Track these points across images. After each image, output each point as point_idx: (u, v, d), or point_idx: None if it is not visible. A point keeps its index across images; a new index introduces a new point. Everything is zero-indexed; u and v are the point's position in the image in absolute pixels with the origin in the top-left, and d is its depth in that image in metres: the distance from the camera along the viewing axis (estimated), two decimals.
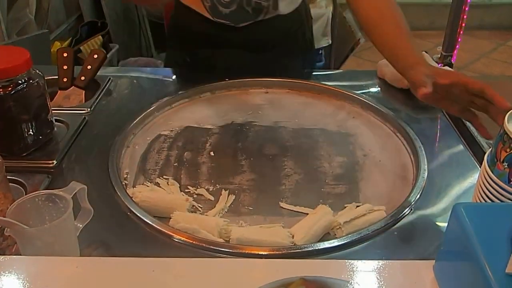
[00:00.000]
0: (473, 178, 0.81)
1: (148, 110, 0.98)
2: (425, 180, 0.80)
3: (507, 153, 0.57)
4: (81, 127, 0.93)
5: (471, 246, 0.47)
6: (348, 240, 0.68)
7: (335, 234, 0.71)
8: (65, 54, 1.07)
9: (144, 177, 0.83)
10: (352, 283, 0.54)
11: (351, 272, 0.57)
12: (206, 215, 0.75)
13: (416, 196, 0.76)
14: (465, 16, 1.20)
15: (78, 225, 0.65)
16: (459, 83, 0.77)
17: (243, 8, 1.06)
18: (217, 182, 0.82)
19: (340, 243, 0.68)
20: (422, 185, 0.79)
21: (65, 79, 1.05)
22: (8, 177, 0.68)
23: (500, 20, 3.95)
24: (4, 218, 0.57)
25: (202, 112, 1.02)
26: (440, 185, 0.80)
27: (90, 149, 0.88)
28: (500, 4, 3.98)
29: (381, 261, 0.60)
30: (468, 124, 0.94)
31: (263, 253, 0.65)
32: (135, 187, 0.79)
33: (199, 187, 0.81)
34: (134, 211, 0.72)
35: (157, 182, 0.81)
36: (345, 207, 0.75)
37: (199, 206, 0.77)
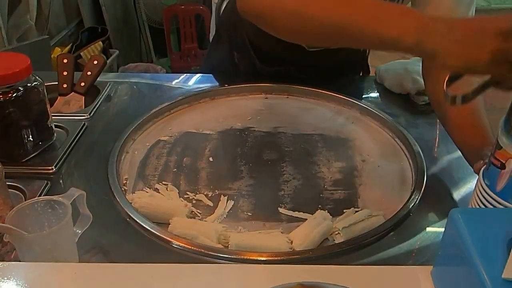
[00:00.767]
0: (472, 183, 0.81)
1: (148, 116, 0.98)
2: (424, 185, 0.80)
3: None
4: (80, 133, 0.93)
5: (468, 252, 0.47)
6: (346, 246, 0.68)
7: (334, 240, 0.71)
8: (65, 60, 1.07)
9: (143, 183, 0.83)
10: None
11: (350, 278, 0.57)
12: (205, 220, 0.75)
13: (415, 201, 0.76)
14: None
15: (77, 231, 0.65)
16: None
17: None
18: (216, 188, 0.82)
19: (338, 248, 0.68)
20: (421, 190, 0.79)
21: (65, 85, 1.06)
22: (7, 183, 0.68)
23: None
24: (3, 224, 0.57)
25: (202, 117, 1.02)
26: (439, 190, 0.81)
27: (89, 155, 0.88)
28: (500, 9, 3.99)
29: (379, 266, 0.60)
30: None
31: (262, 258, 0.65)
32: (134, 193, 0.79)
33: (198, 192, 0.81)
34: (133, 217, 0.72)
35: (156, 188, 0.81)
36: (344, 213, 0.76)
37: (198, 212, 0.77)
